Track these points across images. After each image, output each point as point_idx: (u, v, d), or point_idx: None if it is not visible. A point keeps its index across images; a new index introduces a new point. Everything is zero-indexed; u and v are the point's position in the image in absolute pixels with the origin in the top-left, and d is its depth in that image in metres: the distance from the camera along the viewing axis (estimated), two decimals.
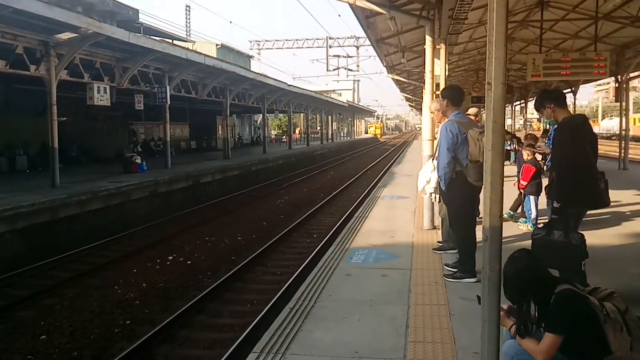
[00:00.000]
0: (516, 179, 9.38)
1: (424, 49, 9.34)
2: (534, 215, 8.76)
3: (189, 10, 54.54)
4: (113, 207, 14.93)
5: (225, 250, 12.20)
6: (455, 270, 6.18)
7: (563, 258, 4.44)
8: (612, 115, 67.92)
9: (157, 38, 23.66)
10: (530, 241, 4.77)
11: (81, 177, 17.54)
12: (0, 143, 20.94)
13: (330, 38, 49.86)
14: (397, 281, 6.14)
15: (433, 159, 7.54)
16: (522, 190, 8.99)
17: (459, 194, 6.09)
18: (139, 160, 20.15)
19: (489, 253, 2.67)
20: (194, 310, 8.20)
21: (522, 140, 12.91)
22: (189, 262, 11.20)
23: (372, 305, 5.34)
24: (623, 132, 19.77)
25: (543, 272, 3.17)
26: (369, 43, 16.35)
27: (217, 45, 48.08)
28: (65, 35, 14.50)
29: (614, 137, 43.43)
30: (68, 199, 13.26)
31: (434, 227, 8.90)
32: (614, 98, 19.91)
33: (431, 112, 7.94)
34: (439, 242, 7.77)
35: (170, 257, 11.47)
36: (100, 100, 16.94)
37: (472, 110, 9.84)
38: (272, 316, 6.52)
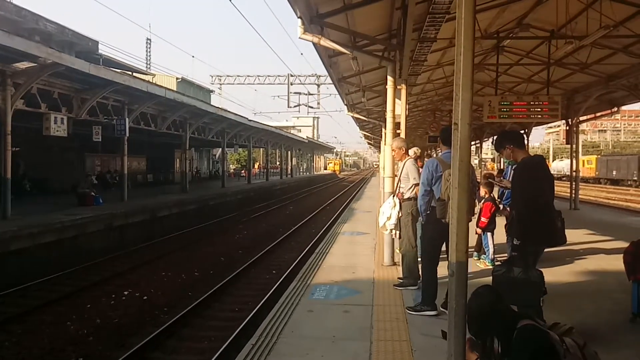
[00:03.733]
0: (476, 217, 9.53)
1: (385, 89, 9.57)
2: (491, 251, 8.94)
3: (150, 44, 54.44)
4: (67, 240, 14.49)
5: (182, 286, 11.96)
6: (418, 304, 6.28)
7: (522, 294, 4.53)
8: (562, 157, 70.41)
9: (118, 70, 23.45)
10: (491, 277, 4.87)
11: (34, 208, 17.03)
12: None
13: (291, 75, 50.30)
14: (359, 317, 6.14)
15: (394, 196, 7.68)
16: (481, 228, 9.14)
17: (431, 228, 6.24)
18: (94, 193, 19.73)
19: (455, 288, 2.73)
20: (149, 347, 7.98)
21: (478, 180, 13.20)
22: (144, 297, 10.95)
23: (335, 342, 5.32)
24: (574, 174, 20.48)
25: (505, 308, 3.24)
26: (330, 81, 16.63)
27: (177, 78, 47.94)
28: (24, 65, 14.24)
29: (564, 178, 44.89)
30: (19, 232, 12.82)
31: (394, 264, 8.96)
32: (564, 140, 20.69)
33: (392, 150, 8.11)
34: (399, 278, 7.82)
35: (125, 292, 11.19)
36: (57, 131, 16.60)
37: (411, 152, 10.00)
38: (231, 354, 6.43)
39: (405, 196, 7.47)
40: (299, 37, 8.73)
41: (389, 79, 9.13)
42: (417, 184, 7.20)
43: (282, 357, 4.95)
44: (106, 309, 10.06)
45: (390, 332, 5.59)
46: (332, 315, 6.28)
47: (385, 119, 9.65)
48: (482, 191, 9.38)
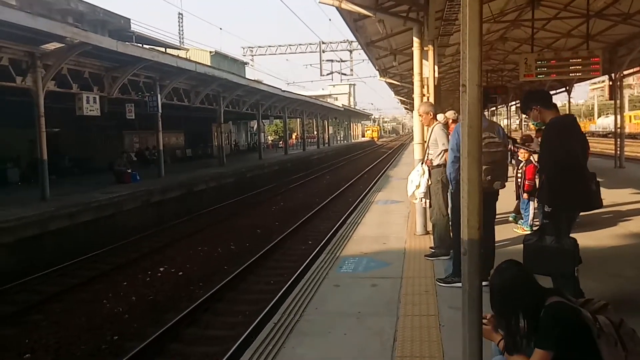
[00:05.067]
0: (515, 180, 9.14)
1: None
2: (531, 217, 8.59)
3: (182, 18, 54.47)
4: (104, 219, 14.70)
5: (218, 260, 11.99)
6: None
7: (555, 264, 4.25)
8: (607, 113, 67.90)
9: (149, 47, 23.47)
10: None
11: (73, 188, 17.34)
12: None
13: (323, 43, 49.56)
14: (386, 291, 5.94)
15: (423, 163, 7.38)
16: (527, 192, 8.75)
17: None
18: (130, 170, 20.01)
19: (468, 268, 2.47)
20: (184, 322, 8.00)
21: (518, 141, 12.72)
22: (180, 272, 11.00)
23: (360, 318, 5.14)
24: (618, 130, 19.64)
25: (532, 283, 2.97)
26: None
27: (211, 52, 47.91)
28: (52, 46, 14.31)
29: (610, 135, 43.35)
30: (57, 212, 13.04)
31: (427, 233, 8.70)
32: (609, 96, 19.80)
33: (420, 115, 7.77)
34: (431, 247, 7.58)
35: (161, 268, 11.27)
36: (90, 110, 16.74)
37: (450, 114, 9.60)
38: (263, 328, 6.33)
39: (435, 163, 7.17)
40: (319, 2, 8.42)
41: (415, 40, 8.73)
42: (446, 150, 6.89)
43: (303, 336, 4.80)
44: (142, 286, 10.14)
45: (419, 306, 5.38)
46: (359, 289, 6.10)
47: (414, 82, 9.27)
48: (521, 154, 9.01)
